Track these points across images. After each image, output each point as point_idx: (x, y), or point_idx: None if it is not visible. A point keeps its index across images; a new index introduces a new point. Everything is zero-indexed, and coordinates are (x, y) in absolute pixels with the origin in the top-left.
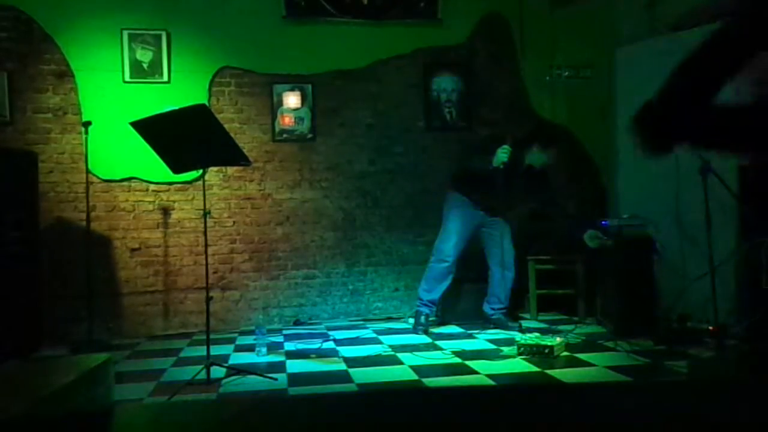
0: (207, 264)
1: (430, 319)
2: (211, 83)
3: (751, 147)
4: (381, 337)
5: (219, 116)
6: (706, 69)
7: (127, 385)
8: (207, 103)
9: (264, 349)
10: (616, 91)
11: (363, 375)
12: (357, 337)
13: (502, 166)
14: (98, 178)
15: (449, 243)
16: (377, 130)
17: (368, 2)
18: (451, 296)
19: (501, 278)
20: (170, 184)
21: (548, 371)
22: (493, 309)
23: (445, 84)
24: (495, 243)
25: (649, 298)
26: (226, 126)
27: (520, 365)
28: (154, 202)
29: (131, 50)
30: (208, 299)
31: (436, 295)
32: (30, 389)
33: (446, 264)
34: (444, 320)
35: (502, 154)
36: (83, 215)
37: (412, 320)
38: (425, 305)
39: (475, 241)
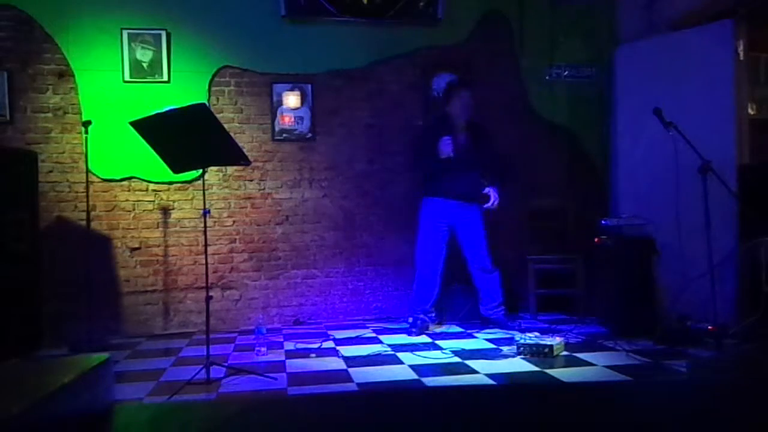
0: (207, 263)
1: (427, 323)
2: (211, 83)
3: None
4: (381, 337)
5: (219, 116)
6: None
7: (127, 385)
8: (207, 103)
9: (264, 349)
10: (615, 89)
11: (363, 375)
12: (357, 337)
13: (453, 155)
14: (98, 177)
15: (424, 251)
16: (377, 130)
17: (368, 2)
18: (451, 296)
19: (484, 281)
20: (170, 183)
21: (548, 371)
22: (489, 309)
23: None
24: (469, 247)
25: (649, 298)
26: (225, 126)
27: (519, 365)
28: (153, 201)
29: (131, 50)
30: (208, 299)
31: (427, 302)
32: (30, 389)
33: (427, 271)
34: (444, 320)
35: (445, 146)
36: (83, 215)
37: (410, 321)
38: (419, 312)
39: None
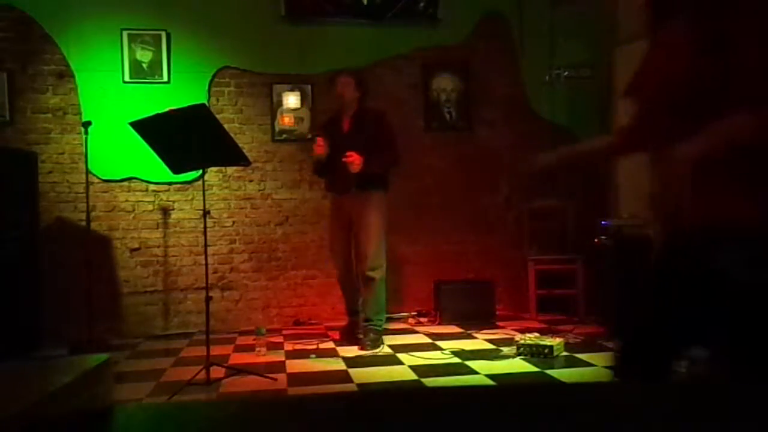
0: (207, 264)
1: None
2: (211, 83)
3: None
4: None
5: (219, 116)
6: None
7: (127, 385)
8: (207, 103)
9: (264, 350)
10: (615, 90)
11: (363, 375)
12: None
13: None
14: (98, 178)
15: (331, 250)
16: None
17: (368, 2)
18: (451, 296)
19: (365, 288)
20: (170, 184)
21: (548, 371)
22: (364, 321)
23: (444, 84)
24: (356, 244)
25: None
26: (225, 126)
27: (519, 365)
28: (153, 202)
29: (131, 50)
30: (208, 299)
31: (350, 305)
32: (30, 389)
33: (339, 271)
34: (444, 320)
35: (317, 148)
36: (83, 215)
37: (410, 320)
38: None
39: (473, 242)
